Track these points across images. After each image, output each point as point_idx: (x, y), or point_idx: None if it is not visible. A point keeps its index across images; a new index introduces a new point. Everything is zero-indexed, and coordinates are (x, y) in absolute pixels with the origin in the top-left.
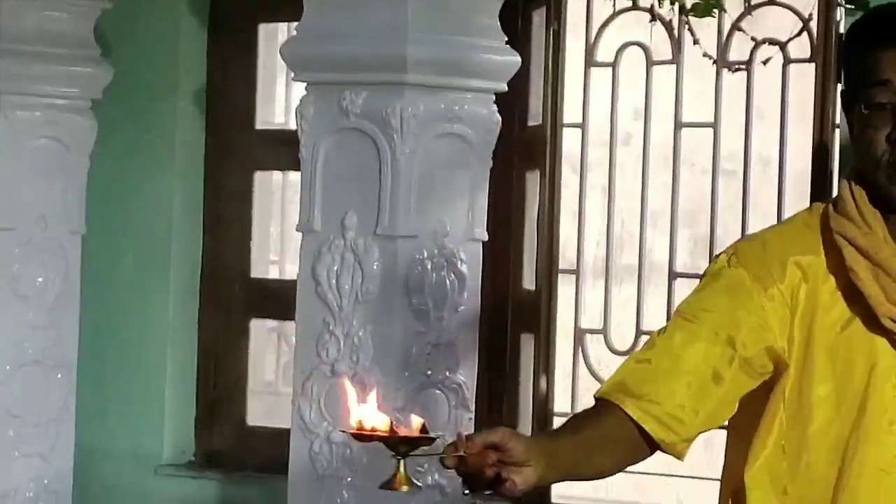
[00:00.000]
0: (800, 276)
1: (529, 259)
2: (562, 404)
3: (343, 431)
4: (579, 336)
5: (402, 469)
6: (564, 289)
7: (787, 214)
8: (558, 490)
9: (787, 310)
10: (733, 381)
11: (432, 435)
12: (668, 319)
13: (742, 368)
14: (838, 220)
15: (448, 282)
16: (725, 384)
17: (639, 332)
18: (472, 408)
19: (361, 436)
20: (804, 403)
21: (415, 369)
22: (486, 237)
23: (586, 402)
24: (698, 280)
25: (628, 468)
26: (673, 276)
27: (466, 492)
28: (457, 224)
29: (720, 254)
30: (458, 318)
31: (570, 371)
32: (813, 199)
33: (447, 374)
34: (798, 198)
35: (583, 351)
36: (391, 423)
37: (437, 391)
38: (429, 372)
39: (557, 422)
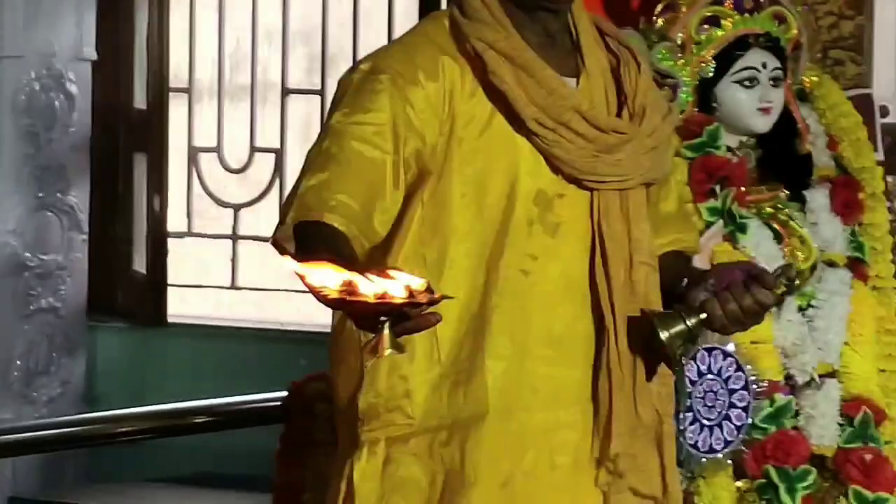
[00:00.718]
0: (440, 80)
1: (140, 78)
2: (176, 223)
3: (346, 300)
4: (193, 155)
5: (387, 331)
6: (177, 108)
7: (398, 31)
8: (175, 310)
9: (432, 113)
10: (402, 188)
11: (438, 296)
12: (282, 136)
13: (405, 174)
14: (472, 25)
15: (57, 102)
16: (400, 191)
17: (253, 150)
18: (86, 229)
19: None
20: (443, 209)
21: (26, 191)
22: (95, 56)
23: (201, 222)
24: (314, 96)
25: (247, 285)
26: (286, 93)
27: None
28: (64, 43)
29: (357, 65)
30: (69, 139)
31: (185, 190)
32: (423, 13)
33: (59, 195)
34: (408, 13)
35: (197, 170)
36: (409, 289)
37: (50, 213)
38: (40, 194)
39: (172, 242)
